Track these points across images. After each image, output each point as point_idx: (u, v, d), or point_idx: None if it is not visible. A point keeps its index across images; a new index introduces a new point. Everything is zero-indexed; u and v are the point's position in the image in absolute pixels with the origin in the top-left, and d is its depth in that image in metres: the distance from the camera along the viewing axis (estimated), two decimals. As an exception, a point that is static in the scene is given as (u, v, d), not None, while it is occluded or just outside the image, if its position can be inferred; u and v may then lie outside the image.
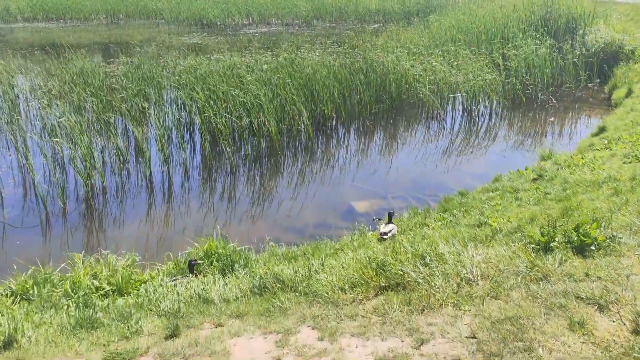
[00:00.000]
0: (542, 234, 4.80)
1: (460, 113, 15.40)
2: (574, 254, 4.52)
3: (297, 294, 4.67)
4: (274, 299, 4.66)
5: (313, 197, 9.89)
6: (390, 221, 6.94)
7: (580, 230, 4.66)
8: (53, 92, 15.18)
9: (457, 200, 8.41)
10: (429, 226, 7.14)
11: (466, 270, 4.42)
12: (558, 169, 8.96)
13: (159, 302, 4.95)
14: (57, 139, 10.82)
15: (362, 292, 4.43)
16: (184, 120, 13.47)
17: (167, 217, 9.23)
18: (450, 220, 7.17)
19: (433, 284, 4.23)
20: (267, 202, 9.80)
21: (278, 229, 8.68)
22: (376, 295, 4.42)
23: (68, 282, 5.79)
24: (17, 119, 13.77)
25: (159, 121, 12.63)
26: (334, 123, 14.20)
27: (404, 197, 9.75)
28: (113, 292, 5.62)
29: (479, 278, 4.29)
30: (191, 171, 11.35)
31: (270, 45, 25.44)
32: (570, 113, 15.31)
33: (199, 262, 6.13)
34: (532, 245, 4.74)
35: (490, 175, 10.33)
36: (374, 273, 4.67)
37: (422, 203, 9.42)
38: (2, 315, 5.14)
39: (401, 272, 4.50)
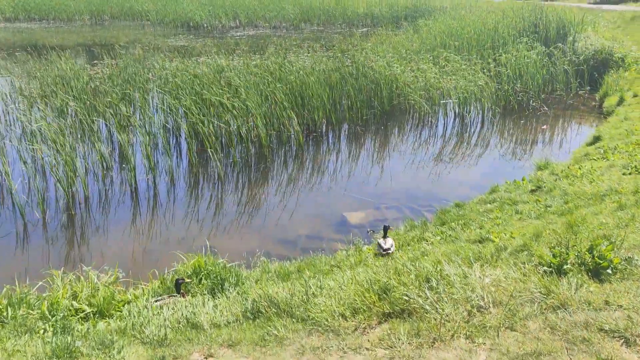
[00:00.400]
0: (554, 255, 4.53)
1: (452, 119, 15.20)
2: (589, 278, 4.25)
3: (294, 319, 4.33)
4: (269, 325, 4.32)
5: (304, 207, 9.56)
6: (385, 235, 6.64)
7: (595, 252, 4.39)
8: (34, 95, 14.67)
9: (454, 213, 8.14)
10: (427, 241, 6.86)
11: (476, 295, 4.12)
12: (556, 180, 8.74)
13: (143, 327, 4.58)
14: (36, 145, 10.35)
15: (365, 319, 4.11)
16: (170, 126, 13.05)
17: (152, 228, 8.83)
18: (450, 235, 6.89)
19: (442, 311, 3.93)
20: (256, 211, 9.45)
21: (269, 241, 8.34)
22: (380, 322, 4.10)
23: (46, 302, 5.39)
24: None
25: (145, 126, 12.22)
26: (324, 129, 13.90)
27: (398, 208, 9.46)
28: (94, 314, 5.24)
29: (491, 305, 4.00)
30: (177, 179, 10.95)
31: (257, 48, 25.10)
32: (562, 121, 15.19)
33: (187, 280, 5.77)
34: (544, 268, 4.46)
35: (486, 185, 10.10)
36: (377, 297, 4.35)
37: (416, 214, 9.15)
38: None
39: (406, 298, 4.18)
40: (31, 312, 5.28)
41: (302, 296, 4.60)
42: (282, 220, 9.04)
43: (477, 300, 4.06)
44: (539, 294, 4.02)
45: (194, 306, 5.06)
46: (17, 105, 14.27)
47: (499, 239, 6.11)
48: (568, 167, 9.35)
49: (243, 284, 5.82)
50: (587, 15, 24.03)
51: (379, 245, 6.44)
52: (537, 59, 17.16)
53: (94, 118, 12.66)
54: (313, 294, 4.60)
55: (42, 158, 10.40)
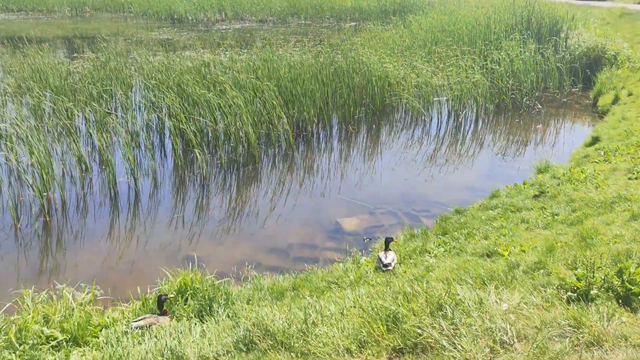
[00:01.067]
0: (578, 279, 4.11)
1: (446, 118, 14.80)
2: (619, 305, 3.84)
3: (292, 354, 3.86)
4: (265, 358, 3.84)
5: (296, 212, 9.08)
6: (387, 248, 6.18)
7: (625, 276, 3.98)
8: (9, 91, 13.95)
9: (455, 220, 7.73)
10: (430, 253, 6.42)
11: (496, 326, 3.68)
12: (559, 184, 8.37)
13: (122, 361, 4.08)
14: (10, 145, 9.71)
15: (374, 355, 3.65)
16: (153, 124, 12.45)
17: (133, 236, 8.29)
18: (454, 247, 6.46)
19: (461, 347, 3.48)
20: (245, 217, 8.95)
21: (259, 250, 7.85)
22: (390, 359, 3.65)
23: (14, 327, 4.85)
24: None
25: (127, 125, 11.63)
26: (314, 128, 13.40)
27: (394, 213, 9.03)
28: (67, 341, 4.71)
29: (515, 339, 3.56)
30: (161, 181, 10.40)
31: (244, 42, 24.47)
32: (557, 120, 14.87)
33: (170, 297, 5.25)
34: (568, 293, 4.04)
35: (483, 188, 9.72)
36: (385, 329, 3.89)
37: (413, 220, 8.72)
38: None
39: (419, 330, 3.73)
40: (-3, 339, 4.75)
41: (300, 325, 4.12)
42: (273, 226, 8.56)
43: (499, 333, 3.62)
44: (568, 326, 3.60)
45: (179, 333, 4.56)
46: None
47: (508, 252, 5.70)
48: (570, 170, 8.98)
49: (233, 303, 5.35)
50: (576, 12, 23.80)
51: (380, 259, 5.99)
52: (531, 56, 16.81)
53: (73, 115, 12.02)
54: (313, 322, 4.13)
55: (16, 159, 9.76)
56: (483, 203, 8.43)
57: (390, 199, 9.55)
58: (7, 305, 5.41)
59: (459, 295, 4.19)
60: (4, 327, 5.00)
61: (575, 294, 4.02)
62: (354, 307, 4.45)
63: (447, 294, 4.19)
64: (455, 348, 3.51)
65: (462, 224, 7.45)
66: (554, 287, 4.26)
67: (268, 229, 8.50)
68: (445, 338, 3.61)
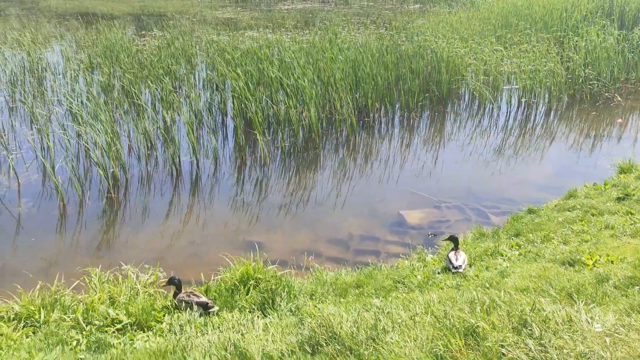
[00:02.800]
0: (686, 303, 3.65)
1: (515, 108, 14.04)
2: None
3: (361, 362, 3.63)
4: (332, 366, 3.63)
5: (356, 202, 8.80)
6: (456, 247, 5.83)
7: None
8: (81, 67, 14.31)
9: (528, 220, 7.24)
10: (503, 256, 6.01)
11: (592, 352, 3.31)
12: (646, 187, 7.68)
13: (185, 353, 3.97)
14: (81, 123, 9.90)
15: (451, 373, 3.37)
16: (215, 104, 12.44)
17: (194, 217, 8.28)
18: (529, 250, 6.02)
19: (552, 374, 3.14)
20: (305, 204, 8.76)
21: (319, 239, 7.65)
22: (469, 378, 3.35)
23: (81, 306, 4.87)
24: (43, 95, 12.95)
25: (190, 104, 11.65)
26: (376, 114, 13.01)
27: (460, 208, 8.60)
28: (132, 325, 4.68)
29: (614, 369, 3.18)
30: (222, 161, 10.36)
31: (306, 23, 24.17)
32: None
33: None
34: (674, 319, 3.60)
35: (557, 186, 9.13)
36: (463, 343, 3.59)
37: (481, 216, 8.28)
38: (0, 352, 4.24)
39: (502, 348, 3.41)
40: (64, 317, 4.78)
41: (369, 331, 3.88)
42: (333, 215, 8.34)
43: (595, 359, 3.24)
44: (677, 359, 3.17)
45: (242, 326, 4.43)
46: (64, 77, 13.93)
47: (594, 262, 5.22)
48: (657, 172, 8.25)
49: (296, 297, 5.17)
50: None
51: (450, 260, 5.65)
52: (614, 43, 15.63)
53: (140, 93, 12.18)
54: (384, 329, 3.87)
55: (86, 134, 9.94)
56: (559, 203, 7.86)
57: (456, 193, 9.11)
58: (75, 283, 5.46)
59: (545, 310, 3.82)
60: (72, 305, 5.05)
61: (682, 321, 3.57)
62: (426, 313, 4.16)
63: (532, 309, 3.83)
64: (545, 374, 3.16)
65: (536, 225, 6.95)
66: (656, 310, 3.82)
67: (328, 217, 8.29)
68: (534, 361, 3.27)
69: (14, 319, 4.81)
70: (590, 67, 14.93)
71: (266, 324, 4.52)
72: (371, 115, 12.79)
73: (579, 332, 3.56)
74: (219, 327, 4.48)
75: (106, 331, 4.57)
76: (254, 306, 4.98)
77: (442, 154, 11.04)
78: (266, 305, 4.96)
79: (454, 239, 5.91)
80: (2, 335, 4.48)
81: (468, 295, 4.45)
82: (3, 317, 4.81)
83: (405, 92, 13.49)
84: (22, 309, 4.87)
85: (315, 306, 4.81)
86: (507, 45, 15.73)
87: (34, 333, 4.63)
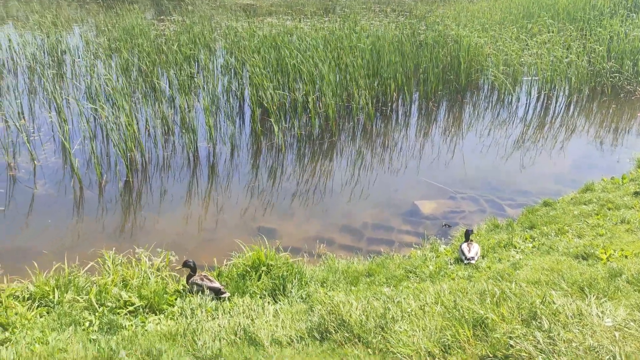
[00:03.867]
0: (701, 301, 3.58)
1: (535, 99, 13.82)
2: None
3: (369, 350, 3.64)
4: (341, 351, 3.64)
5: (371, 190, 8.78)
6: (467, 239, 5.79)
7: None
8: (100, 51, 14.41)
9: (543, 213, 7.16)
10: (516, 247, 5.96)
11: (601, 346, 3.27)
12: (665, 182, 7.54)
13: (195, 336, 4.01)
14: (100, 105, 9.98)
15: (459, 364, 3.35)
16: (233, 90, 12.45)
17: (209, 202, 8.32)
18: (543, 243, 5.96)
19: (560, 368, 3.11)
20: (319, 191, 8.76)
21: (332, 227, 7.65)
22: (477, 369, 3.34)
23: (95, 288, 4.95)
24: (62, 78, 13.10)
25: (208, 89, 11.68)
26: (394, 103, 12.91)
27: (475, 199, 8.53)
28: (144, 308, 4.75)
29: (623, 364, 3.14)
30: (239, 147, 10.38)
31: (326, 10, 23.99)
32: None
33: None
34: (688, 316, 3.53)
35: (574, 179, 9.02)
36: (471, 334, 3.58)
37: (496, 208, 8.20)
38: (14, 331, 4.33)
39: (510, 340, 3.38)
40: (78, 298, 4.86)
41: (379, 319, 3.88)
42: (347, 204, 8.33)
43: (605, 355, 3.20)
44: (690, 357, 3.12)
45: (252, 311, 4.46)
46: (83, 60, 14.05)
47: (608, 256, 5.15)
48: (678, 167, 8.09)
49: (307, 285, 5.19)
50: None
51: (462, 251, 5.62)
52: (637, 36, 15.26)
53: (159, 77, 12.23)
54: (393, 317, 3.87)
55: (105, 117, 10.03)
56: (575, 196, 7.76)
57: (472, 184, 9.03)
58: (89, 265, 5.54)
59: (555, 303, 3.78)
60: (85, 286, 5.13)
61: (697, 318, 3.51)
62: (436, 303, 4.15)
63: (542, 302, 3.79)
64: (553, 368, 3.13)
65: (551, 217, 6.87)
66: (669, 307, 3.75)
67: (342, 206, 8.28)
68: (542, 354, 3.24)
69: (28, 299, 4.90)
70: (613, 60, 14.62)
71: (276, 310, 4.55)
72: (389, 104, 12.70)
73: (589, 326, 3.52)
74: (229, 312, 4.52)
75: (118, 313, 4.64)
76: (264, 292, 5.01)
77: (459, 144, 10.93)
78: (277, 292, 4.99)
79: (467, 233, 5.86)
80: (17, 314, 4.57)
81: (479, 286, 4.43)
82: (18, 297, 4.91)
83: (424, 82, 13.36)
84: (36, 289, 4.96)
85: (326, 294, 4.81)
86: (528, 35, 15.45)
87: (47, 313, 4.72)
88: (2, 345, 4.09)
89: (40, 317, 4.63)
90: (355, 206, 8.26)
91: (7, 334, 4.25)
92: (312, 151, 10.41)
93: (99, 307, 4.66)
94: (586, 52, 14.70)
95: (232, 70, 13.19)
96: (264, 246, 5.73)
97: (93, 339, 4.12)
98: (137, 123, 9.76)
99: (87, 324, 4.45)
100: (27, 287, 4.96)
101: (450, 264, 5.66)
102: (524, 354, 3.29)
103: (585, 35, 15.58)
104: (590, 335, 3.44)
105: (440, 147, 10.71)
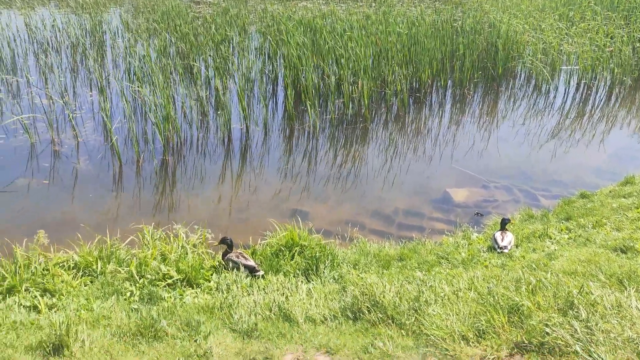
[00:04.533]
0: None
1: (574, 89, 13.48)
2: None
3: (403, 331, 3.67)
4: (374, 333, 3.69)
5: (403, 176, 8.75)
6: (503, 228, 5.74)
7: None
8: (140, 32, 14.62)
9: (580, 205, 7.03)
10: (552, 238, 5.88)
11: (638, 336, 3.23)
12: None
13: (232, 310, 4.12)
14: (138, 85, 10.17)
15: (493, 349, 3.36)
16: (267, 72, 12.50)
17: (242, 183, 8.44)
18: (580, 235, 5.86)
19: (597, 356, 3.09)
20: (351, 176, 8.77)
21: (363, 212, 7.67)
22: (511, 355, 3.34)
23: (135, 260, 5.10)
24: (103, 57, 13.37)
25: (243, 71, 11.75)
26: (428, 90, 12.77)
27: (509, 189, 8.42)
28: (181, 281, 4.88)
29: (662, 356, 3.10)
30: (272, 130, 10.46)
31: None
32: None
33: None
34: None
35: (614, 171, 8.82)
36: (506, 320, 3.57)
37: (530, 198, 8.09)
38: (61, 297, 4.52)
39: (547, 328, 3.37)
40: (119, 269, 5.02)
41: (412, 302, 3.91)
42: (379, 189, 8.32)
43: (642, 346, 3.17)
44: None
45: (286, 289, 4.54)
46: (123, 40, 14.29)
47: (647, 250, 5.04)
48: None
49: (339, 266, 5.24)
50: None
51: (495, 239, 5.58)
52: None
53: (195, 59, 12.37)
54: (426, 301, 3.89)
55: (143, 98, 10.22)
56: (614, 189, 7.59)
57: (506, 173, 8.92)
58: (129, 239, 5.70)
59: (593, 294, 3.74)
60: (126, 259, 5.29)
61: None
62: (469, 289, 4.15)
63: (579, 292, 3.75)
64: (590, 356, 3.12)
65: (588, 210, 6.75)
66: None
67: (373, 191, 8.28)
68: (579, 343, 3.22)
69: (73, 268, 5.09)
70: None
71: (309, 289, 4.62)
72: (423, 90, 12.57)
73: (628, 317, 3.48)
74: (264, 289, 4.61)
75: (157, 285, 4.78)
76: (298, 271, 5.09)
77: (493, 133, 10.77)
78: (310, 272, 5.06)
79: (503, 221, 5.81)
80: (63, 282, 4.76)
81: (513, 274, 4.42)
82: (64, 266, 5.10)
83: (459, 68, 13.17)
84: (81, 259, 5.15)
85: (359, 275, 4.87)
86: (570, 23, 15.02)
87: (91, 282, 4.90)
88: (51, 309, 4.27)
89: (85, 285, 4.81)
90: (386, 192, 8.25)
91: (54, 300, 4.43)
92: (345, 136, 10.41)
93: (139, 279, 4.82)
94: (630, 41, 14.23)
95: (267, 53, 13.23)
96: (297, 227, 5.80)
97: (134, 308, 4.27)
98: (174, 103, 9.91)
99: (128, 294, 4.61)
100: (72, 257, 5.15)
101: (483, 252, 5.63)
102: (561, 342, 3.28)
103: (630, 23, 15.05)
104: (629, 327, 3.40)
105: (474, 135, 10.57)
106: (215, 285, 4.81)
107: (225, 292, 4.60)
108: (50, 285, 4.58)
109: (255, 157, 9.33)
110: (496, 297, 3.80)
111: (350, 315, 4.02)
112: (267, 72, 12.52)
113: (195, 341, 3.72)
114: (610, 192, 7.50)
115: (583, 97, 13.08)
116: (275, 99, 12.11)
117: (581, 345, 3.20)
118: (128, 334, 3.82)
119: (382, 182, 8.53)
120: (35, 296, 4.47)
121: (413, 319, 3.74)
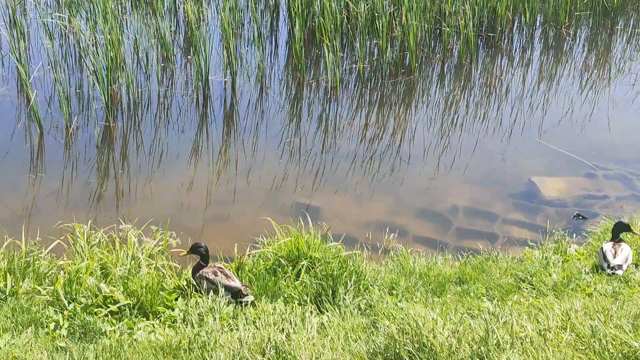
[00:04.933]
0: None
1: None
2: None
3: (462, 390, 3.69)
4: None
5: (465, 158, 8.77)
6: (618, 238, 5.74)
7: None
8: None
9: None
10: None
11: None
12: None
13: (206, 353, 4.16)
14: (69, 15, 10.23)
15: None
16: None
17: (225, 163, 8.54)
18: None
19: None
20: (386, 157, 8.82)
21: (403, 209, 7.77)
22: None
23: (62, 276, 5.16)
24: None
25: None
26: (506, 29, 12.70)
27: (626, 179, 8.53)
28: (131, 308, 4.93)
29: None
30: (269, 86, 10.50)
31: None
32: None
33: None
34: None
35: None
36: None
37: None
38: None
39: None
40: (39, 288, 5.09)
41: (477, 345, 3.93)
42: (428, 176, 8.38)
43: None
44: None
45: (287, 323, 4.57)
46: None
47: None
48: None
49: (367, 289, 5.28)
50: None
51: (604, 254, 5.63)
52: None
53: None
54: (497, 344, 3.90)
55: (76, 34, 10.26)
56: None
57: (622, 156, 9.07)
58: (54, 243, 5.77)
59: None
60: (49, 273, 5.36)
61: None
62: (563, 328, 4.19)
63: None
64: None
65: None
66: None
67: (420, 179, 8.36)
68: None
69: (-28, 288, 5.16)
70: None
71: (322, 323, 4.66)
72: (499, 28, 12.48)
73: None
74: (254, 322, 4.66)
75: (96, 313, 4.83)
76: (305, 297, 5.14)
77: (603, 94, 10.81)
78: (324, 298, 5.10)
79: (617, 227, 5.82)
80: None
81: (631, 307, 4.43)
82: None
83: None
84: (-22, 274, 5.22)
85: (397, 304, 4.89)
86: None
87: (-1, 306, 4.97)
88: None
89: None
90: (439, 180, 8.33)
91: None
92: (380, 96, 10.43)
93: (69, 304, 4.87)
94: None
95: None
96: (305, 231, 5.83)
97: (61, 347, 4.33)
98: (123, 43, 9.93)
99: (52, 325, 4.66)
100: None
101: (586, 273, 5.67)
102: None
103: None
104: None
105: (575, 98, 10.60)
106: (182, 315, 4.86)
107: (196, 325, 4.65)
108: None
109: (244, 126, 9.39)
110: (604, 342, 3.81)
111: (385, 364, 4.05)
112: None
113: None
114: None
115: None
116: (276, 38, 12.15)
117: None
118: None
119: (434, 165, 8.58)
120: None
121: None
